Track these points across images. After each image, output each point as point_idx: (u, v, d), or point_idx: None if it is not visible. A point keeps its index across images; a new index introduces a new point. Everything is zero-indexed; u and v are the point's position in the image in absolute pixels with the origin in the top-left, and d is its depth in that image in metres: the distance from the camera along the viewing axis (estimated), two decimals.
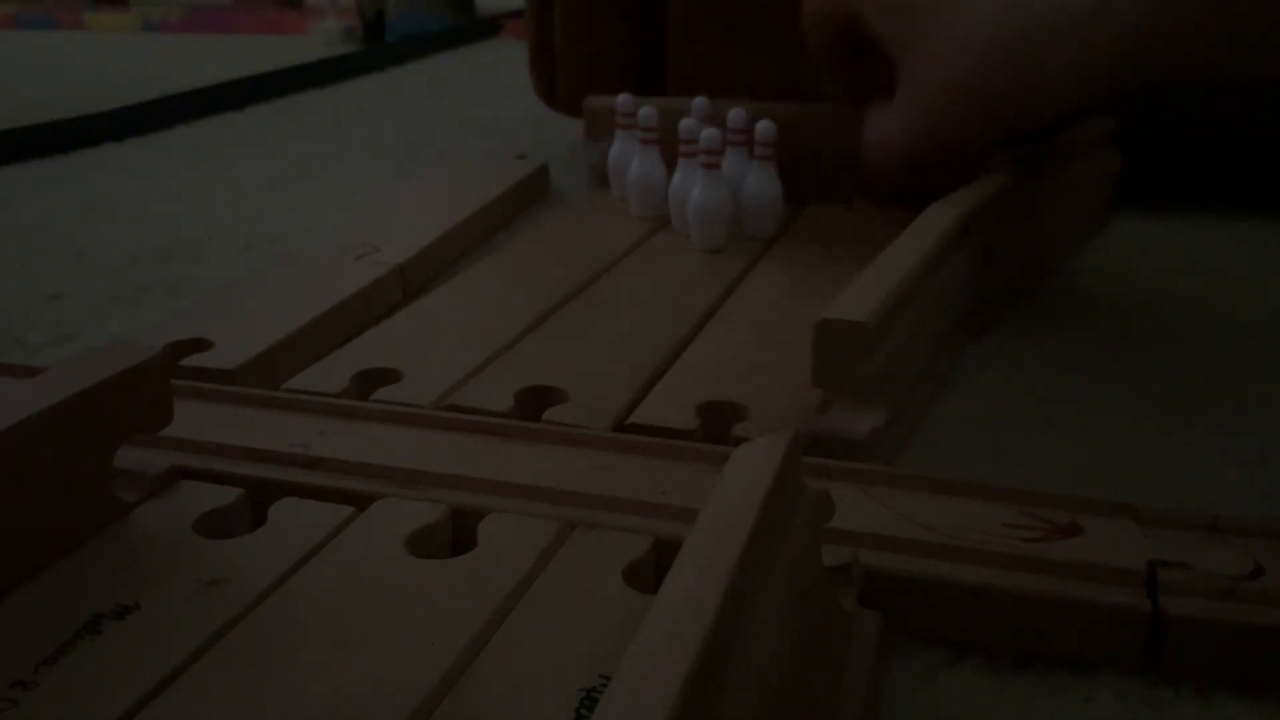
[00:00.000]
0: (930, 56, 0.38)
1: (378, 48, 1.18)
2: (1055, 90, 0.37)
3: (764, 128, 0.45)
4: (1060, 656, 0.23)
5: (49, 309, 0.43)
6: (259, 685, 0.19)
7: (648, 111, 0.47)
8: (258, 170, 0.66)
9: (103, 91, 0.89)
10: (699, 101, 0.49)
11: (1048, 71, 0.36)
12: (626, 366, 0.33)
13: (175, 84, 0.88)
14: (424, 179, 0.56)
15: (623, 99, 0.50)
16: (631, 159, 0.49)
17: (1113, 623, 0.22)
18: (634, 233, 0.47)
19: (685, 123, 0.46)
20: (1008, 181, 0.43)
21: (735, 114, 0.47)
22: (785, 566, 0.18)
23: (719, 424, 0.30)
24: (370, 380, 0.32)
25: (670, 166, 0.47)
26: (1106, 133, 0.53)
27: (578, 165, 0.58)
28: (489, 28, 1.34)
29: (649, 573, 0.23)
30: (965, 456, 0.32)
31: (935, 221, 0.36)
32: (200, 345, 0.34)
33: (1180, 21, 0.34)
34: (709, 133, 0.44)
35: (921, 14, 0.39)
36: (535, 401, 0.31)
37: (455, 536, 0.25)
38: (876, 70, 0.43)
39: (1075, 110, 0.42)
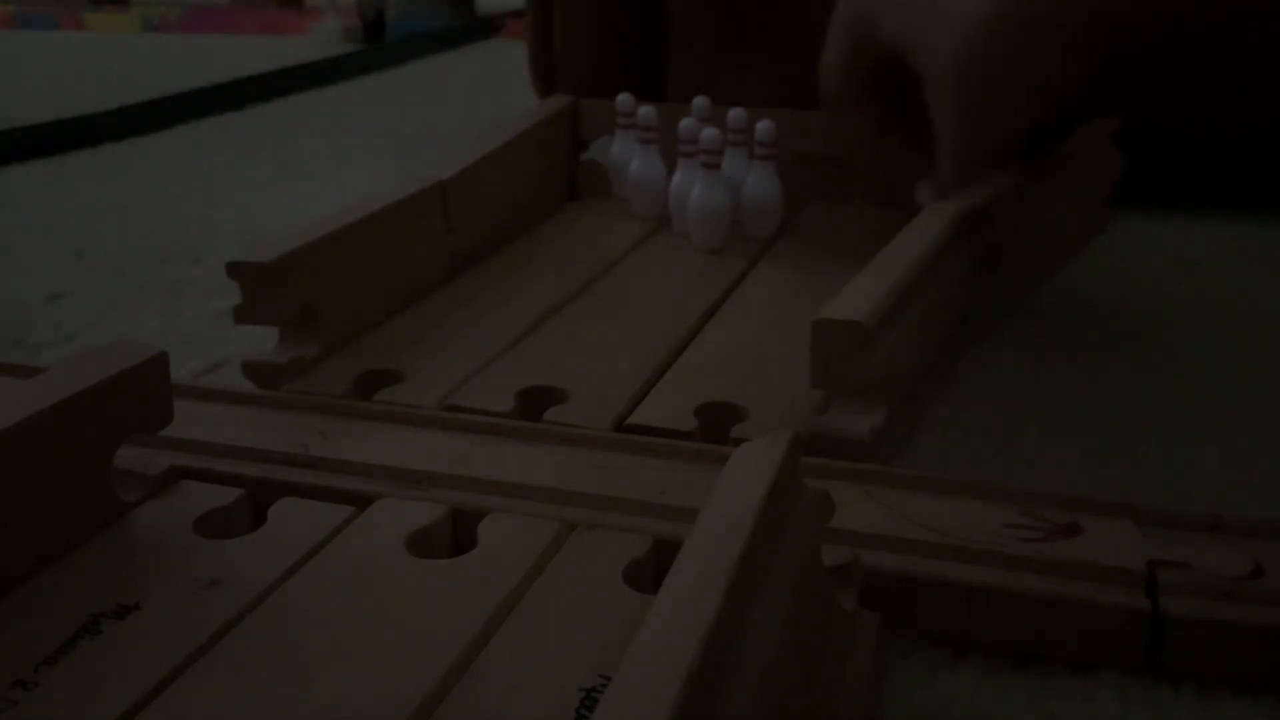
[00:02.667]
0: (936, 48, 0.39)
1: (377, 48, 1.18)
2: (1048, 50, 0.38)
3: (764, 128, 0.45)
4: (1060, 656, 0.23)
5: (49, 309, 0.43)
6: (259, 685, 0.19)
7: (648, 111, 0.47)
8: (258, 170, 0.66)
9: (103, 91, 0.89)
10: (699, 101, 0.49)
11: (1036, 34, 0.38)
12: (626, 366, 0.33)
13: (175, 84, 0.88)
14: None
15: (622, 99, 0.50)
16: (631, 159, 0.49)
17: (1113, 623, 0.22)
18: (634, 233, 0.47)
19: (685, 123, 0.46)
20: (1008, 181, 0.42)
21: (735, 114, 0.47)
22: (785, 566, 0.18)
23: (719, 424, 0.30)
24: (372, 381, 0.32)
25: (670, 166, 0.47)
26: (1107, 133, 0.53)
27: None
28: (488, 27, 1.34)
29: (649, 573, 0.23)
30: (965, 456, 0.32)
31: (935, 221, 0.36)
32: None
33: None
34: (709, 133, 0.43)
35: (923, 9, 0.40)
36: (536, 401, 0.31)
37: (455, 536, 0.25)
38: (897, 100, 0.43)
39: (1080, 83, 0.42)
